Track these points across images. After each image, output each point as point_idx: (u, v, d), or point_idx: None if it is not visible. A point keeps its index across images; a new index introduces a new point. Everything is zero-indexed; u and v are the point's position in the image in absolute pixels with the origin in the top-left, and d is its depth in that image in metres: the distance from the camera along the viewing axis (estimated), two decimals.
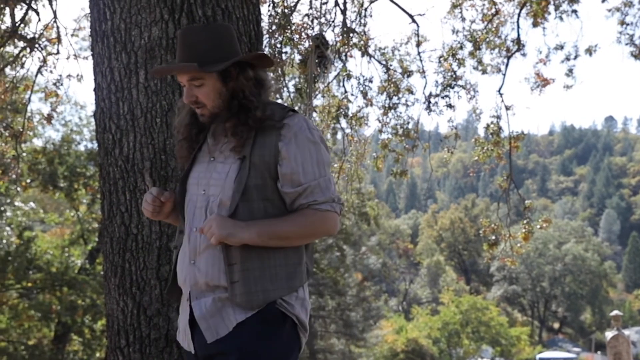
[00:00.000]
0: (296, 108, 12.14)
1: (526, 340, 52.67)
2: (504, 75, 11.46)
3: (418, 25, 11.06)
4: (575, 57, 11.47)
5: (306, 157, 2.92)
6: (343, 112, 11.72)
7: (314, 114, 11.37)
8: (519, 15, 11.00)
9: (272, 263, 2.92)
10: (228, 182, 2.93)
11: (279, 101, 11.51)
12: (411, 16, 10.85)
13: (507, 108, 11.26)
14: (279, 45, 10.07)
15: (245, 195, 2.90)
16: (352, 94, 11.59)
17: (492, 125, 11.39)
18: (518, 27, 11.09)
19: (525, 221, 11.44)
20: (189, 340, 3.00)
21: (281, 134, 2.92)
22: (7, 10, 9.71)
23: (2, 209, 19.66)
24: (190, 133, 3.09)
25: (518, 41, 11.11)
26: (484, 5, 11.32)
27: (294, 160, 2.90)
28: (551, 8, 10.94)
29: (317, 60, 9.11)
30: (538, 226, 11.74)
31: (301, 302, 2.98)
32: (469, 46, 11.55)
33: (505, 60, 11.46)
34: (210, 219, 2.86)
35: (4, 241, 19.78)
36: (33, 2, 9.82)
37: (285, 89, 10.87)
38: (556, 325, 75.72)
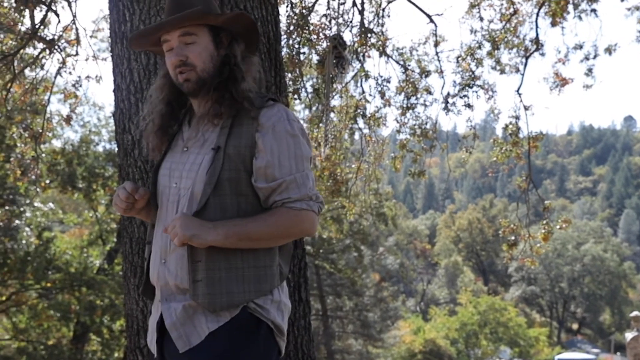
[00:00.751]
0: (314, 109, 12.15)
1: (545, 341, 52.40)
2: (523, 75, 11.41)
3: (436, 25, 11.04)
4: (595, 57, 11.39)
5: (283, 150, 2.71)
6: (361, 113, 11.71)
7: (332, 115, 11.37)
8: (537, 14, 10.94)
9: (240, 264, 2.71)
10: (200, 173, 2.73)
11: (297, 102, 11.52)
12: (429, 16, 10.82)
13: (526, 108, 11.21)
14: (296, 46, 10.07)
15: (217, 189, 2.69)
16: (370, 95, 11.58)
17: (510, 126, 11.34)
18: (537, 26, 11.04)
19: (544, 221, 11.38)
20: (154, 345, 2.84)
21: (259, 123, 2.73)
22: (27, 12, 9.76)
23: (22, 209, 19.76)
24: (166, 123, 2.90)
25: (537, 41, 11.06)
26: (502, 4, 11.28)
27: (269, 152, 2.70)
28: (570, 7, 10.88)
29: (334, 61, 9.09)
30: (558, 226, 11.67)
31: (277, 306, 2.80)
32: (487, 46, 11.51)
33: (524, 60, 11.41)
34: (174, 219, 2.65)
35: (24, 241, 19.89)
36: (53, 3, 9.87)
37: (302, 89, 10.87)
38: (575, 326, 75.27)
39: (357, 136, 13.02)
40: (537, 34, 11.04)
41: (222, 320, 2.69)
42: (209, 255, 2.68)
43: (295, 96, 10.60)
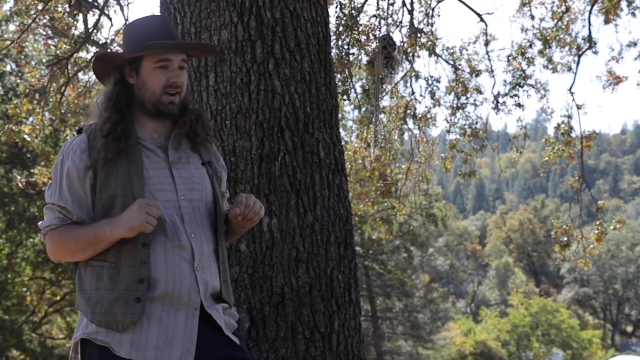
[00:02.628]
0: (363, 109, 12.15)
1: (598, 344, 51.58)
2: (575, 73, 11.27)
3: (486, 24, 10.97)
4: None
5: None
6: (411, 113, 11.68)
7: (381, 115, 11.35)
8: (590, 12, 10.80)
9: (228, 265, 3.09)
10: (207, 186, 2.98)
11: (346, 103, 11.52)
12: (479, 15, 10.75)
13: (579, 107, 11.07)
14: (346, 47, 10.08)
15: (217, 200, 3.01)
16: (420, 95, 11.54)
17: (563, 125, 11.22)
18: (589, 24, 10.93)
19: (597, 222, 11.23)
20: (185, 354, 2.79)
21: (213, 145, 3.13)
22: (81, 17, 9.93)
23: None
24: (114, 130, 2.84)
25: (589, 38, 10.92)
26: (553, 2, 11.15)
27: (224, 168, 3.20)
28: (623, 4, 10.72)
29: (384, 61, 9.08)
30: (611, 227, 11.50)
31: None
32: (538, 44, 11.39)
33: (576, 59, 11.27)
34: (252, 197, 2.95)
35: None
36: (105, 8, 10.02)
37: (352, 90, 10.88)
38: (629, 329, 73.94)
39: (406, 137, 13.00)
40: (589, 32, 10.91)
41: (235, 316, 3.02)
42: (224, 259, 3.00)
43: (345, 97, 10.62)
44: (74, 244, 2.80)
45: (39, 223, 2.92)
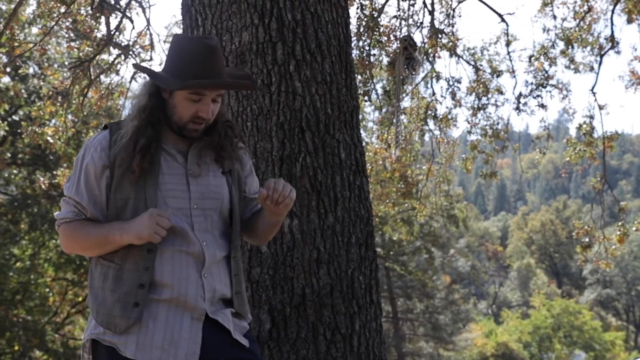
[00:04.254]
0: (384, 110, 12.13)
1: (621, 346, 51.18)
2: (597, 73, 11.22)
3: (507, 25, 10.92)
4: None
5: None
6: (432, 114, 11.65)
7: (402, 116, 11.34)
8: (612, 12, 10.74)
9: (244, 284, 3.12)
10: (225, 196, 2.97)
11: (367, 103, 11.52)
12: (500, 15, 10.70)
13: (601, 107, 11.01)
14: (367, 48, 10.08)
15: (234, 210, 3.02)
16: (441, 95, 11.52)
17: (585, 125, 11.15)
18: (612, 24, 10.90)
19: (620, 223, 11.16)
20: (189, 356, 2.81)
21: (240, 146, 3.10)
22: (103, 19, 9.99)
23: None
24: (148, 145, 2.85)
25: (612, 38, 10.85)
26: (575, 2, 11.09)
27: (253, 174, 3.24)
28: None
29: (405, 62, 9.07)
30: (634, 228, 11.42)
31: None
32: (560, 45, 11.33)
33: (599, 59, 11.20)
34: (282, 182, 2.92)
35: None
36: (127, 10, 10.08)
37: (373, 91, 10.87)
38: None
39: (427, 138, 12.98)
40: (612, 32, 10.85)
41: (246, 325, 3.03)
42: (238, 269, 3.00)
43: (366, 98, 10.61)
44: (84, 240, 2.84)
45: (55, 213, 2.94)
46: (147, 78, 2.91)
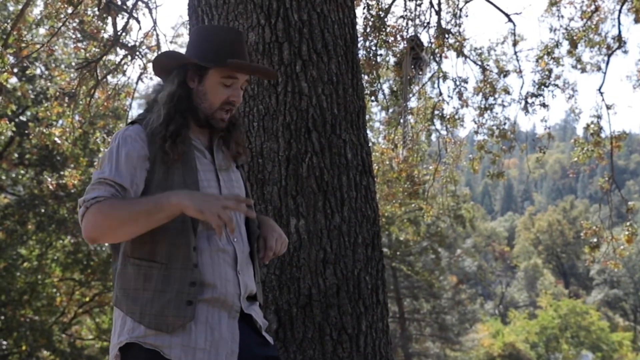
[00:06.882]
0: (391, 110, 12.12)
1: (629, 346, 51.04)
2: (605, 73, 11.20)
3: (514, 24, 10.90)
4: None
5: None
6: (438, 114, 11.64)
7: (409, 116, 11.33)
8: (619, 11, 10.72)
9: None
10: (243, 190, 3.04)
11: (374, 104, 11.51)
12: (507, 15, 10.68)
13: (608, 107, 10.99)
14: (373, 48, 10.07)
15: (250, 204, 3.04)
16: (448, 96, 11.51)
17: (592, 125, 11.13)
18: (619, 23, 10.86)
19: (628, 223, 11.14)
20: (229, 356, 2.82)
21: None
22: (110, 20, 10.01)
23: None
24: (180, 133, 2.84)
25: (619, 38, 10.82)
26: (582, 2, 11.07)
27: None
28: None
29: (412, 62, 9.06)
30: None
31: None
32: (566, 44, 11.32)
33: (606, 58, 11.18)
34: (278, 231, 3.06)
35: (106, 244, 20.34)
36: (134, 11, 10.10)
37: (379, 91, 10.86)
38: None
39: (434, 138, 12.96)
40: (619, 31, 10.83)
41: (266, 321, 3.10)
42: (257, 260, 3.04)
43: (372, 98, 10.60)
44: (127, 212, 2.64)
45: (80, 199, 2.73)
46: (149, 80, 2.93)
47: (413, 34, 9.64)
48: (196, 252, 2.77)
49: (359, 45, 8.12)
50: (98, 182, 2.72)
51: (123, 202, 2.68)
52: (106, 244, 17.18)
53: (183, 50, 3.19)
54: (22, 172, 19.85)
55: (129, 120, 3.17)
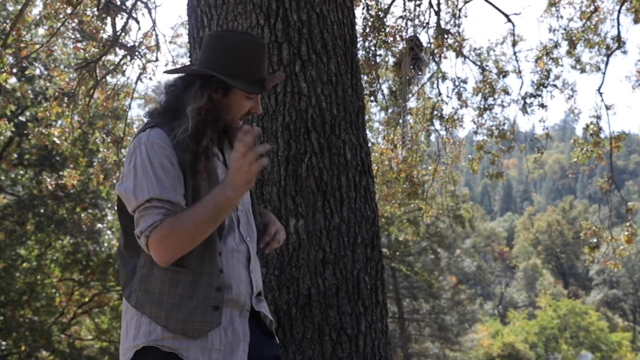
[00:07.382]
0: (390, 111, 12.12)
1: (628, 346, 51.06)
2: (604, 73, 11.20)
3: (514, 25, 10.91)
4: None
5: None
6: (438, 114, 11.65)
7: (408, 117, 11.32)
8: (619, 12, 10.72)
9: None
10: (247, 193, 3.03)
11: (373, 104, 11.50)
12: (507, 15, 10.68)
13: (608, 107, 10.99)
14: (373, 48, 10.07)
15: (254, 202, 3.14)
16: (447, 96, 11.51)
17: (591, 126, 11.14)
18: (618, 24, 10.84)
19: (627, 223, 11.15)
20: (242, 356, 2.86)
21: None
22: (109, 20, 10.01)
23: (104, 213, 20.19)
24: (211, 146, 2.85)
25: (618, 38, 10.83)
26: (582, 2, 11.07)
27: None
28: None
29: (411, 63, 9.06)
30: None
31: None
32: (565, 45, 11.32)
33: (605, 59, 11.18)
34: (279, 227, 3.12)
35: (106, 244, 20.31)
36: (133, 11, 10.09)
37: (379, 92, 10.86)
38: None
39: (433, 138, 12.97)
40: (618, 32, 10.83)
41: (272, 318, 3.13)
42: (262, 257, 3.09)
43: (372, 98, 10.60)
44: (192, 226, 2.60)
45: (136, 231, 2.66)
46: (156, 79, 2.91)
47: (412, 34, 9.64)
48: (221, 257, 2.79)
49: (358, 45, 8.12)
50: (144, 208, 2.65)
51: (182, 217, 2.62)
52: (105, 243, 17.08)
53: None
54: (22, 172, 19.83)
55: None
